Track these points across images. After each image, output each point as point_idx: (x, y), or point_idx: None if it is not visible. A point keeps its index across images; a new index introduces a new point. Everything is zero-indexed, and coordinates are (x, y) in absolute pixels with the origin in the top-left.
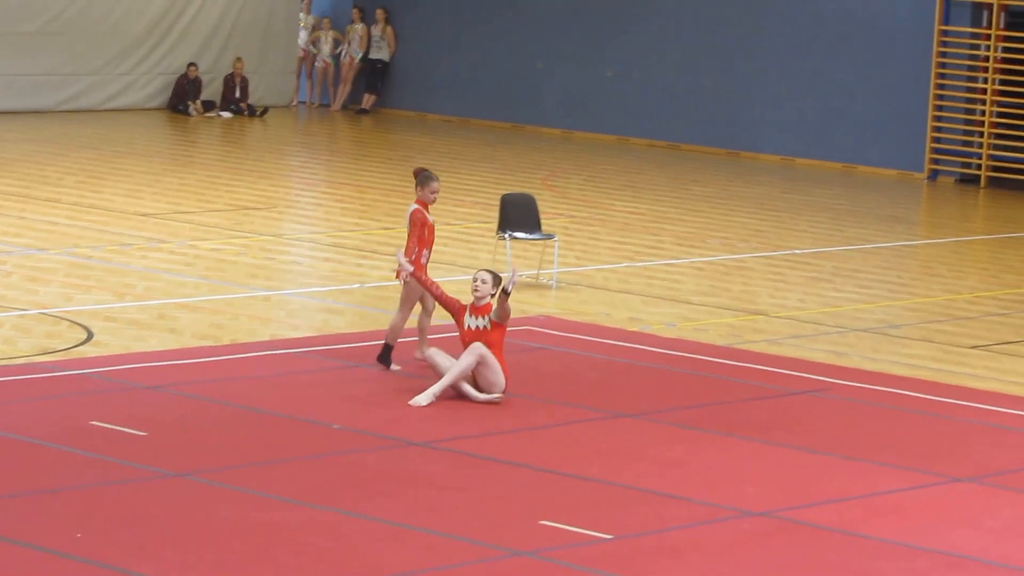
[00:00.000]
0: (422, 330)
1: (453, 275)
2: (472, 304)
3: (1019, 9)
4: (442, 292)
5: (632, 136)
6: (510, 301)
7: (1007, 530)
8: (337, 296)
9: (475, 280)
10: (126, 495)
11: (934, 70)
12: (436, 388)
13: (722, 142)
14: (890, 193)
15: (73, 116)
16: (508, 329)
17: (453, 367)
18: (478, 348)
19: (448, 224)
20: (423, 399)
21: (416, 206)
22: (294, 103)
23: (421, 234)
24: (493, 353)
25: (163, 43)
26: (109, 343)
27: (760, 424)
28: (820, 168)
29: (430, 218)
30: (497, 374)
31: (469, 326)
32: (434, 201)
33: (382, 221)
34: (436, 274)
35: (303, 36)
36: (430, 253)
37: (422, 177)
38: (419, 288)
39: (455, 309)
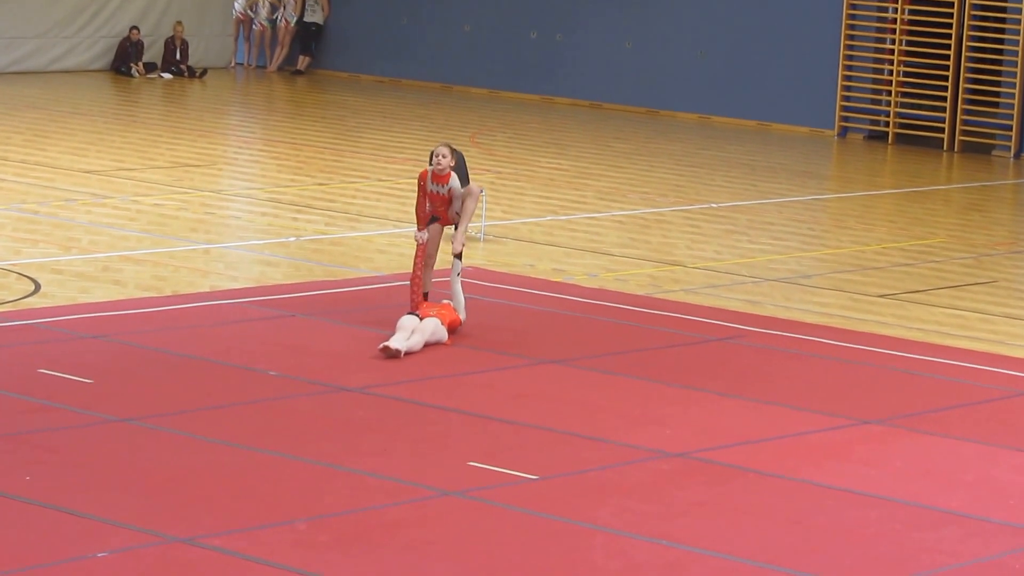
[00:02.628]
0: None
1: (385, 228)
2: (433, 172)
3: None
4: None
5: (556, 96)
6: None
7: (912, 469)
8: (274, 249)
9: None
10: (73, 440)
11: (844, 32)
12: (411, 342)
13: (642, 101)
14: (802, 149)
15: (20, 77)
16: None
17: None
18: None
19: (380, 180)
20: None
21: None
22: (232, 65)
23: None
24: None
25: (106, 7)
26: (56, 294)
27: (678, 369)
28: (735, 126)
29: (429, 186)
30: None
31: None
32: (439, 169)
33: (316, 177)
34: (368, 227)
35: (241, 1)
36: (431, 212)
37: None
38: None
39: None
